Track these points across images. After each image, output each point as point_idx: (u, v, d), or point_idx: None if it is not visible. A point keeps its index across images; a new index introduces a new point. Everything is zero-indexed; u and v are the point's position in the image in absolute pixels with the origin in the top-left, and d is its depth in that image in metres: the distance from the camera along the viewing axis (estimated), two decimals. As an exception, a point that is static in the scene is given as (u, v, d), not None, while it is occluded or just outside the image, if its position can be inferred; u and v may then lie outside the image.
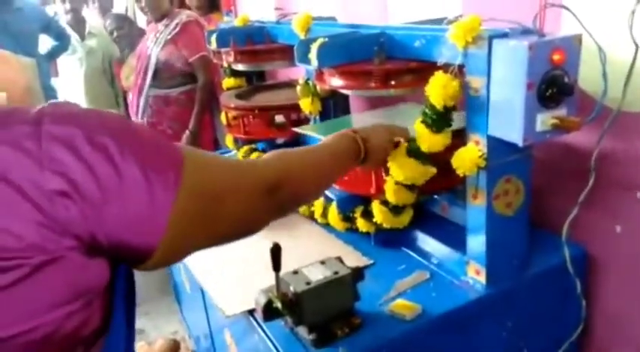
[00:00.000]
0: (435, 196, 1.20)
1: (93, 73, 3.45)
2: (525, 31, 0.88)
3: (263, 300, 0.90)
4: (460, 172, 0.94)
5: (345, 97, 1.53)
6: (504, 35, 0.87)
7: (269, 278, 0.89)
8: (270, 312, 0.90)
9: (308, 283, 0.91)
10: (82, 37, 3.40)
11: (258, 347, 1.03)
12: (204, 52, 2.54)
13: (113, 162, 0.51)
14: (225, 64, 1.76)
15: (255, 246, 0.97)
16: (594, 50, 0.93)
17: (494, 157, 0.93)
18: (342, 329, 0.94)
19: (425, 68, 1.01)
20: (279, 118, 1.62)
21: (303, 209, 1.40)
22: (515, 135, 0.86)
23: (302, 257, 1.02)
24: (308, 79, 1.42)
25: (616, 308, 1.16)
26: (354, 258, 1.19)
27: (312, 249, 1.24)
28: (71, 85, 3.48)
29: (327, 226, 1.33)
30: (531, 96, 0.83)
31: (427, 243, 1.19)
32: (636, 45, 0.91)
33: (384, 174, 1.08)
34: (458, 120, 0.99)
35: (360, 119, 1.50)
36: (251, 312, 1.05)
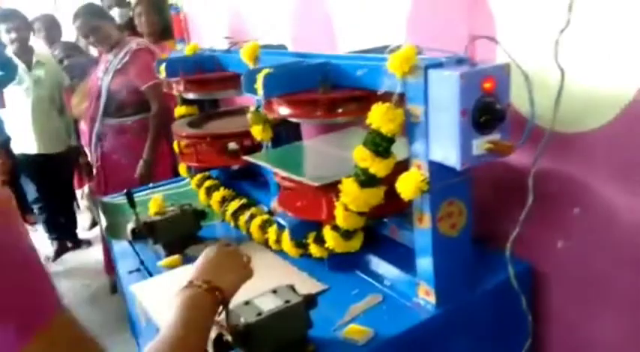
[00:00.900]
0: (385, 220, 1.22)
1: (41, 103, 3.36)
2: (460, 60, 0.92)
3: (212, 335, 0.88)
4: (404, 196, 0.97)
5: (297, 124, 1.55)
6: (439, 65, 0.90)
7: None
8: (220, 346, 0.89)
9: (259, 314, 0.90)
10: (30, 67, 3.32)
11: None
12: (155, 79, 2.51)
13: None
14: (175, 93, 1.76)
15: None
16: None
17: (436, 181, 0.96)
18: (296, 358, 0.94)
19: (369, 96, 1.04)
20: (232, 145, 1.62)
21: (257, 236, 1.40)
22: (453, 159, 0.90)
23: (257, 286, 1.01)
24: (259, 107, 1.43)
25: (563, 321, 1.20)
26: (309, 284, 1.19)
27: (266, 276, 1.22)
28: (18, 116, 3.37)
29: (281, 252, 1.32)
30: (466, 122, 0.87)
31: (379, 265, 1.20)
32: (561, 70, 0.97)
33: (334, 200, 1.10)
34: (405, 148, 1.02)
35: (312, 144, 1.52)
36: (204, 346, 1.04)
